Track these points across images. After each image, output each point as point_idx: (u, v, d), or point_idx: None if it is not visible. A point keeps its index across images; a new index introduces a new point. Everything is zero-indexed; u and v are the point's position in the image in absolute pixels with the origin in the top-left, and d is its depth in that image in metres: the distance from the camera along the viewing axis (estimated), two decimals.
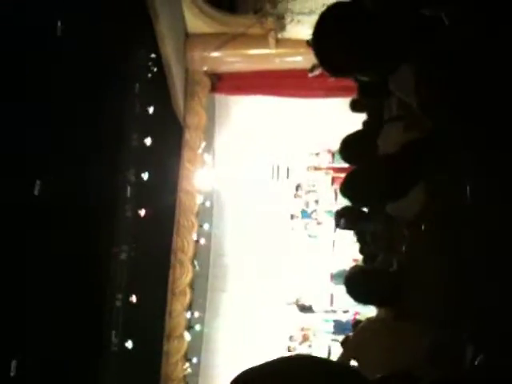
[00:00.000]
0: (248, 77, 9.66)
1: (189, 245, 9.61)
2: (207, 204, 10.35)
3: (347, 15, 1.62)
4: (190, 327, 9.76)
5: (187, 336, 9.57)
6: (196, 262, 9.85)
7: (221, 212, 10.61)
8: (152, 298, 8.72)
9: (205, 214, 10.25)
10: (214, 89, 9.92)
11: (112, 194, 7.40)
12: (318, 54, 1.64)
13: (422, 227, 2.17)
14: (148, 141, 8.34)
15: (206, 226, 10.27)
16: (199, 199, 9.91)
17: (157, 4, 7.34)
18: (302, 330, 10.12)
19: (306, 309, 10.12)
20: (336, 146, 4.68)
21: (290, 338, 10.06)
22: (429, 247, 2.04)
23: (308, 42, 7.81)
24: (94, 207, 6.38)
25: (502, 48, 1.20)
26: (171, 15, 8.20)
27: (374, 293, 2.55)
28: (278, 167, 10.68)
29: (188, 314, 9.66)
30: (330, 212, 10.18)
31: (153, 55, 8.24)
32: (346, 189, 2.53)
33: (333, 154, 10.10)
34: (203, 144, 9.86)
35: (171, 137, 9.39)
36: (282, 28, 8.59)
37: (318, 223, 10.36)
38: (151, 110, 8.41)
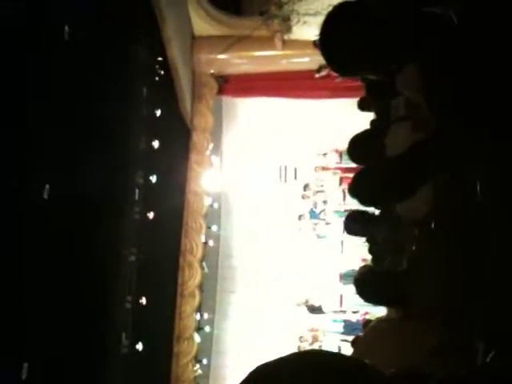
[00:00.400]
0: (255, 78, 9.69)
1: (197, 247, 9.63)
2: (215, 206, 10.36)
3: (353, 15, 1.63)
4: (199, 329, 9.78)
5: (197, 337, 9.59)
6: (205, 264, 9.87)
7: (229, 213, 10.63)
8: (161, 300, 8.74)
9: (213, 215, 10.27)
10: (221, 91, 9.95)
11: (121, 197, 7.43)
12: (324, 55, 1.65)
13: (431, 227, 2.16)
14: (156, 143, 8.37)
15: (214, 228, 10.28)
16: (207, 201, 9.94)
17: (163, 7, 7.37)
18: (312, 330, 10.11)
19: (315, 309, 10.11)
20: (344, 145, 4.68)
21: (300, 338, 10.04)
22: (438, 247, 2.04)
23: (314, 43, 7.81)
24: (102, 210, 6.41)
25: (508, 46, 1.21)
26: (177, 18, 8.24)
27: (383, 293, 2.55)
28: (285, 168, 10.68)
29: (197, 316, 9.68)
30: (338, 212, 10.16)
31: (159, 58, 8.27)
32: (354, 189, 2.53)
33: (340, 154, 10.08)
34: (211, 146, 9.89)
35: (179, 139, 9.42)
36: (288, 29, 8.60)
37: (327, 223, 10.35)
38: (158, 112, 8.44)
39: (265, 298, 10.17)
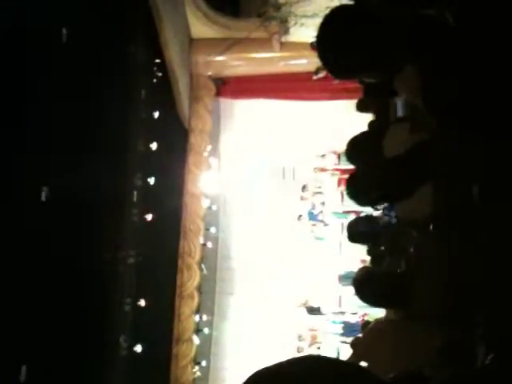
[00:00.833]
0: (252, 80, 9.70)
1: (196, 248, 9.64)
2: (213, 207, 10.37)
3: (351, 17, 1.63)
4: (198, 330, 9.77)
5: (196, 339, 9.59)
6: (203, 266, 9.87)
7: (227, 215, 10.63)
8: (160, 302, 8.73)
9: (211, 217, 10.27)
10: (219, 93, 9.96)
11: (119, 199, 7.42)
12: (321, 57, 1.65)
13: (430, 228, 2.17)
14: (154, 145, 8.37)
15: (212, 230, 10.28)
16: (205, 203, 9.94)
17: (161, 9, 7.38)
18: (311, 331, 10.11)
19: (314, 311, 10.11)
20: (342, 147, 4.69)
21: (299, 337, 10.04)
22: (437, 248, 2.04)
23: (312, 45, 7.83)
24: (100, 212, 6.41)
25: (506, 47, 1.21)
26: (175, 20, 8.24)
27: (382, 294, 2.55)
28: (283, 170, 10.70)
29: (196, 318, 9.68)
30: (336, 213, 10.18)
31: (157, 60, 8.27)
32: (351, 188, 2.54)
33: (339, 156, 10.10)
34: (208, 148, 9.90)
35: (177, 141, 9.42)
36: (286, 31, 8.62)
37: (325, 225, 10.36)
38: (156, 114, 8.44)
39: (264, 299, 10.17)
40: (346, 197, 8.49)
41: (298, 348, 9.95)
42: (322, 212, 10.38)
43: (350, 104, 6.94)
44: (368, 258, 5.09)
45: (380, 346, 2.61)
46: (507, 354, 1.19)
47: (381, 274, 2.83)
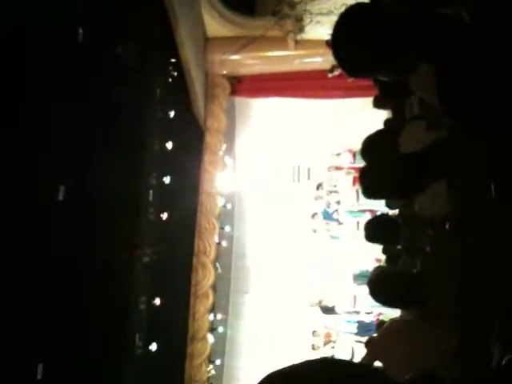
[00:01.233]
0: (267, 79, 9.69)
1: (211, 247, 9.66)
2: (228, 206, 10.38)
3: (367, 16, 1.62)
4: (213, 329, 9.80)
5: (210, 338, 9.61)
6: (218, 264, 9.89)
7: (242, 214, 10.64)
8: (175, 301, 8.77)
9: (226, 216, 10.29)
10: (234, 91, 9.97)
11: (135, 198, 7.47)
12: (336, 55, 1.64)
13: (446, 227, 2.15)
14: (169, 145, 8.41)
15: (227, 228, 10.30)
16: (220, 201, 9.96)
17: (176, 9, 7.40)
18: (325, 330, 10.08)
19: (328, 310, 10.08)
20: (357, 145, 4.66)
21: (314, 336, 10.01)
22: (453, 248, 2.02)
23: (327, 43, 7.80)
24: (116, 211, 6.45)
25: None
26: (191, 20, 8.26)
27: (396, 296, 2.53)
28: (298, 168, 10.67)
29: (211, 316, 9.70)
30: (351, 212, 10.13)
31: (173, 60, 8.30)
32: (362, 179, 2.53)
33: (354, 154, 10.04)
34: (224, 146, 9.91)
35: (192, 140, 9.45)
36: (301, 29, 8.59)
37: (340, 223, 10.31)
38: (172, 114, 8.48)
39: (278, 298, 10.16)
40: (361, 195, 8.45)
41: (313, 346, 9.93)
42: (336, 211, 10.34)
43: (366, 102, 6.90)
44: (383, 257, 5.06)
45: (395, 345, 2.60)
46: None
47: (395, 275, 2.81)
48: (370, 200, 4.66)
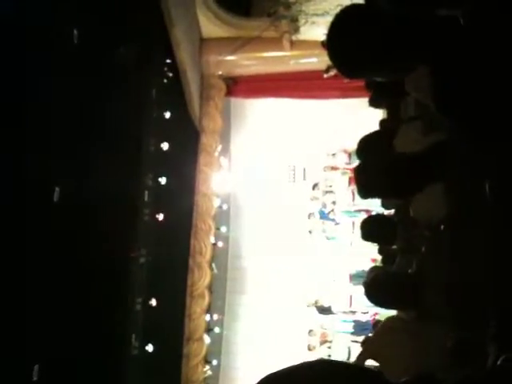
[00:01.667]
0: (263, 79, 9.69)
1: (206, 248, 9.65)
2: (224, 207, 10.38)
3: (362, 17, 1.62)
4: (209, 330, 9.80)
5: (207, 338, 9.61)
6: (214, 265, 9.89)
7: (238, 214, 10.64)
8: (171, 302, 8.77)
9: (222, 216, 10.29)
10: (230, 92, 9.97)
11: (130, 199, 7.46)
12: (331, 56, 1.65)
13: (442, 228, 2.16)
14: (165, 145, 8.41)
15: (223, 229, 10.30)
16: (216, 202, 9.96)
17: (172, 10, 7.40)
18: (322, 330, 10.09)
19: (325, 310, 10.09)
20: (353, 146, 4.67)
21: (310, 336, 10.02)
22: (449, 248, 2.03)
23: (323, 43, 7.80)
24: (112, 212, 6.44)
25: None
26: (186, 20, 8.26)
27: (393, 297, 2.54)
28: (294, 168, 10.68)
29: (207, 317, 9.70)
30: (347, 212, 10.14)
31: (168, 61, 8.30)
32: (358, 177, 2.53)
33: (349, 155, 10.06)
34: (219, 147, 9.91)
35: (188, 141, 9.45)
36: (296, 30, 8.60)
37: (336, 224, 10.33)
38: (168, 114, 8.47)
39: (274, 298, 10.17)
40: (357, 196, 8.46)
41: (309, 346, 9.94)
42: (332, 211, 10.35)
43: (361, 102, 6.91)
44: (379, 257, 5.07)
45: (391, 345, 2.60)
46: None
47: (391, 276, 2.82)
48: (366, 200, 4.66)
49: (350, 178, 10.12)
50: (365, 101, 5.44)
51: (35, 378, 5.31)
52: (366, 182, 2.48)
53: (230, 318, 10.37)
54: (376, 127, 4.21)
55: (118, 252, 6.89)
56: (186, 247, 9.52)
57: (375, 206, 7.25)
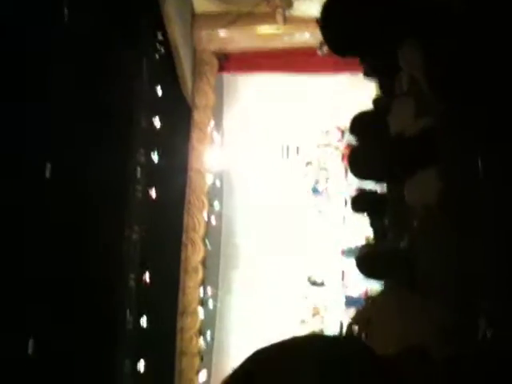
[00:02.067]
0: (256, 55, 9.60)
1: (200, 224, 9.68)
2: (217, 183, 10.38)
3: None
4: (203, 304, 9.89)
5: (201, 312, 9.71)
6: (207, 241, 9.93)
7: (231, 191, 10.65)
8: (165, 277, 8.82)
9: (215, 193, 10.30)
10: (222, 68, 9.87)
11: (122, 176, 7.44)
12: (323, 33, 1.65)
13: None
14: (157, 122, 8.35)
15: (216, 205, 10.32)
16: (209, 179, 9.95)
17: None
18: (314, 305, 10.22)
19: (317, 284, 10.21)
20: (346, 123, 4.67)
21: (303, 310, 10.16)
22: (441, 224, 2.06)
23: (317, 20, 7.72)
24: (104, 189, 6.43)
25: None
26: None
27: (384, 272, 2.58)
28: (287, 146, 10.66)
29: (201, 291, 9.78)
30: (340, 189, 10.19)
31: (160, 36, 8.19)
32: (350, 160, 2.55)
33: (342, 132, 10.05)
34: (212, 124, 9.86)
35: (180, 117, 9.39)
36: (290, 5, 8.49)
37: (329, 200, 10.38)
38: (160, 91, 8.40)
39: (267, 273, 10.26)
40: (350, 173, 8.48)
41: (302, 321, 10.07)
42: (326, 188, 10.39)
43: (355, 78, 6.88)
44: (371, 233, 5.11)
45: (380, 318, 2.65)
46: (508, 329, 1.21)
47: (382, 251, 2.86)
48: None
49: (342, 155, 10.13)
50: (359, 77, 5.42)
51: (30, 352, 5.35)
52: (358, 167, 2.51)
53: (224, 293, 10.48)
54: (370, 104, 4.21)
55: (110, 228, 6.89)
56: (180, 223, 9.55)
57: (368, 182, 7.28)
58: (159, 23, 7.86)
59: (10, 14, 4.70)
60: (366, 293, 8.91)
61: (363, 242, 6.99)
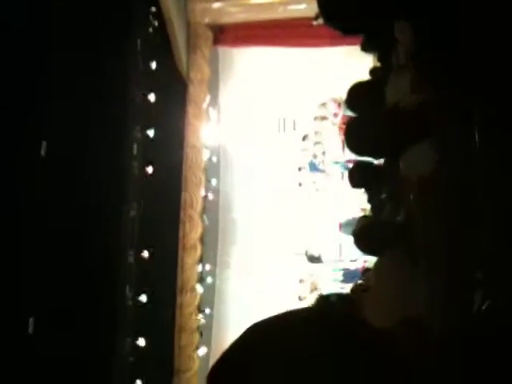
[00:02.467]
0: (251, 28, 9.47)
1: (197, 200, 9.68)
2: (214, 159, 10.34)
3: None
4: (201, 280, 9.96)
5: (199, 288, 9.79)
6: (205, 217, 9.95)
7: (228, 167, 10.62)
8: (163, 254, 8.85)
9: (212, 169, 10.27)
10: (217, 41, 9.74)
11: (119, 152, 7.39)
12: (320, 8, 1.61)
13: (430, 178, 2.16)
14: (152, 97, 8.26)
15: (213, 181, 10.31)
16: (206, 154, 9.91)
17: None
18: (312, 279, 10.30)
19: (315, 259, 10.26)
20: (342, 94, 4.62)
21: (300, 284, 10.24)
22: (438, 195, 2.04)
23: None
24: (100, 166, 6.40)
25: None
26: None
27: (381, 245, 2.58)
28: (284, 119, 10.59)
29: (199, 268, 9.84)
30: (337, 162, 10.16)
31: (153, 9, 8.04)
32: (346, 136, 2.53)
33: (339, 104, 9.98)
34: (208, 98, 9.77)
35: (175, 92, 9.29)
36: None
37: (327, 174, 10.36)
38: (154, 65, 8.28)
39: (265, 248, 10.31)
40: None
41: (300, 297, 10.16)
42: (323, 162, 10.36)
43: (352, 50, 6.79)
44: (368, 207, 5.11)
45: (378, 290, 2.65)
46: (506, 300, 1.21)
47: (379, 225, 2.85)
48: None
49: (339, 128, 10.07)
50: (355, 48, 5.34)
51: (30, 331, 5.39)
52: (354, 143, 2.49)
53: (222, 268, 10.54)
54: (366, 75, 4.16)
55: (108, 205, 6.88)
56: (177, 200, 9.54)
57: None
58: None
59: None
60: (364, 266, 8.97)
61: (360, 215, 6.98)
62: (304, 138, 10.48)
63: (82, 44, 5.89)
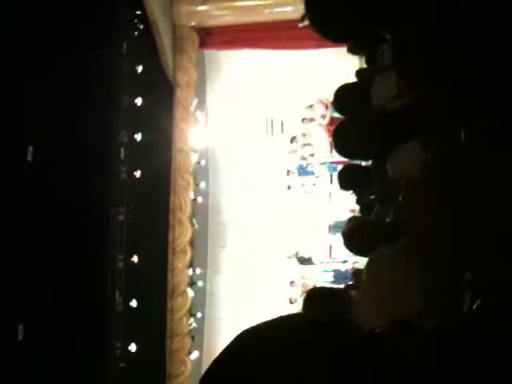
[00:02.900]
0: (237, 30, 9.46)
1: (186, 204, 9.65)
2: (202, 162, 10.33)
3: None
4: (192, 283, 9.93)
5: (190, 292, 9.75)
6: (194, 220, 9.92)
7: (216, 169, 10.61)
8: (153, 258, 8.81)
9: (201, 172, 10.25)
10: (203, 44, 9.72)
11: (106, 157, 7.35)
12: (309, 13, 1.61)
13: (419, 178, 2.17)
14: (139, 101, 8.22)
15: (202, 185, 10.29)
16: (194, 158, 9.89)
17: None
18: (303, 281, 10.31)
19: (305, 261, 10.28)
20: (330, 96, 4.63)
21: (291, 287, 10.24)
22: (426, 196, 2.05)
23: None
24: (88, 171, 6.36)
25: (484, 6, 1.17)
26: None
27: (370, 246, 2.58)
28: (271, 121, 10.61)
29: (190, 271, 9.81)
30: (325, 164, 10.19)
31: (138, 12, 8.01)
32: (334, 140, 2.54)
33: (326, 106, 10.01)
34: (195, 101, 9.75)
35: (162, 96, 9.26)
36: None
37: (316, 177, 10.39)
38: (140, 69, 8.25)
39: (255, 251, 10.31)
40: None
41: (291, 299, 10.17)
42: (311, 164, 10.39)
43: (338, 52, 6.82)
44: (357, 208, 5.12)
45: (368, 291, 2.66)
46: (494, 300, 1.21)
47: (369, 225, 2.86)
48: None
49: (327, 130, 10.11)
50: (342, 50, 5.37)
51: (20, 338, 5.34)
52: (342, 146, 2.49)
53: (213, 272, 10.52)
54: (353, 77, 4.17)
55: (96, 211, 6.85)
56: (166, 204, 9.50)
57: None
58: None
59: None
60: (354, 267, 8.99)
61: (349, 216, 7.01)
62: (292, 140, 10.50)
63: (67, 47, 5.86)
